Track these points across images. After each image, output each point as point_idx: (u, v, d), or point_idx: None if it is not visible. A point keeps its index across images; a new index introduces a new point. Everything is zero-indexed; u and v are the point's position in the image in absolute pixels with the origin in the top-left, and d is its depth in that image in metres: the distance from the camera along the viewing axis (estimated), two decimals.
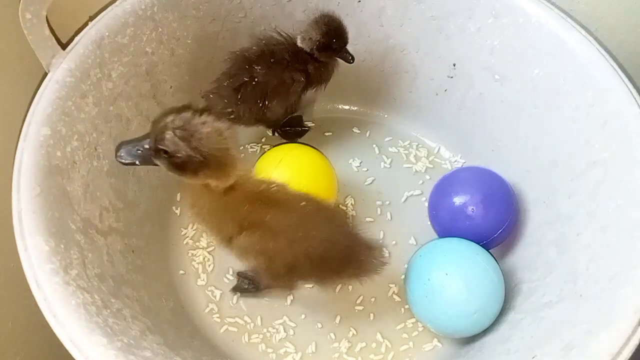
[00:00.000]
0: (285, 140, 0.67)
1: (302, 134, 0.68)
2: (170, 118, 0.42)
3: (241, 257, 0.50)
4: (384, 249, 0.51)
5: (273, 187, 0.48)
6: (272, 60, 0.57)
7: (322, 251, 0.47)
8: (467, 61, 0.61)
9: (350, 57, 0.59)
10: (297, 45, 0.59)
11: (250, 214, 0.46)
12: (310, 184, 0.57)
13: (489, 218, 0.55)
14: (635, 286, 0.42)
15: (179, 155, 0.41)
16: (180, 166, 0.42)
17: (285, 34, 0.59)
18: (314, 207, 0.48)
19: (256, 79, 0.57)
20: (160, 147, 0.42)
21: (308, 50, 0.58)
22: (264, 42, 0.58)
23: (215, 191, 0.45)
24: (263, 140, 0.67)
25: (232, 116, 0.58)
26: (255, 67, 0.57)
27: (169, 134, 0.41)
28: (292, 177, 0.57)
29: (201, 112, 0.43)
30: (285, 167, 0.57)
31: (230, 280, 0.59)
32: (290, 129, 0.68)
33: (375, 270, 0.50)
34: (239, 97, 0.57)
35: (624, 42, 0.55)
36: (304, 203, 0.47)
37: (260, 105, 0.58)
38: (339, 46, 0.58)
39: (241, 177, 0.46)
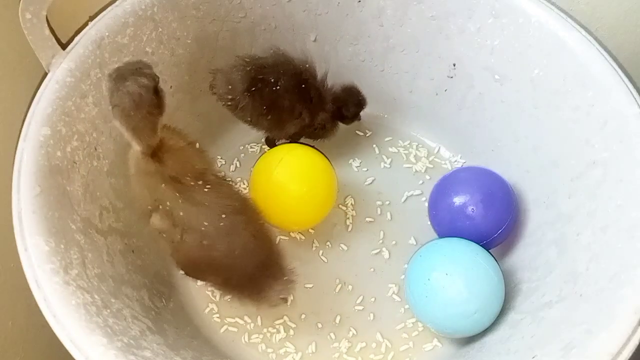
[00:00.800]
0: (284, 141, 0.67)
1: None
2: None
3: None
4: (293, 283, 0.52)
5: (207, 186, 0.47)
6: (302, 86, 0.58)
7: (225, 267, 0.48)
8: (467, 61, 0.61)
9: (359, 119, 0.65)
10: (325, 93, 0.60)
11: (164, 196, 0.46)
12: (309, 184, 0.57)
13: (489, 218, 0.55)
14: (635, 286, 0.42)
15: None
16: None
17: (325, 78, 0.61)
18: (232, 224, 0.47)
19: (275, 88, 0.57)
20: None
21: (337, 111, 0.63)
22: (307, 66, 0.59)
23: (143, 156, 0.46)
24: (263, 140, 0.67)
25: (229, 103, 0.58)
26: (283, 79, 0.57)
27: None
28: (292, 177, 0.57)
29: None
30: (285, 167, 0.57)
31: None
32: None
33: (272, 303, 0.51)
34: (248, 91, 0.57)
35: (624, 42, 0.55)
36: (224, 216, 0.47)
37: (263, 112, 0.58)
38: (356, 117, 0.65)
39: (175, 153, 0.47)
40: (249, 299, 0.51)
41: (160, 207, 0.47)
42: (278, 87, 0.57)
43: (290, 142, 0.64)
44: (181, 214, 0.46)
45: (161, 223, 0.47)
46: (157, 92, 0.44)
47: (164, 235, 0.48)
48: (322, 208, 0.59)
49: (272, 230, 0.55)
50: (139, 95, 0.43)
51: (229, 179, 0.52)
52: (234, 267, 0.48)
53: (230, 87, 0.57)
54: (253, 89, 0.57)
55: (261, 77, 0.57)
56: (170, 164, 0.47)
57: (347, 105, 0.63)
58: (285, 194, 0.57)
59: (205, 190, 0.47)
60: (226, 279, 0.50)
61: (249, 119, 0.60)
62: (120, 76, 0.44)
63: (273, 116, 0.59)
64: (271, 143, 0.65)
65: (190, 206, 0.46)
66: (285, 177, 0.56)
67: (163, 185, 0.46)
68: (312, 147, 0.61)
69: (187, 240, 0.47)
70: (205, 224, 0.46)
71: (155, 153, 0.46)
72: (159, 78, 0.45)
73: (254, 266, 0.49)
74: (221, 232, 0.47)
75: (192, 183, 0.47)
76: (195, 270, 0.51)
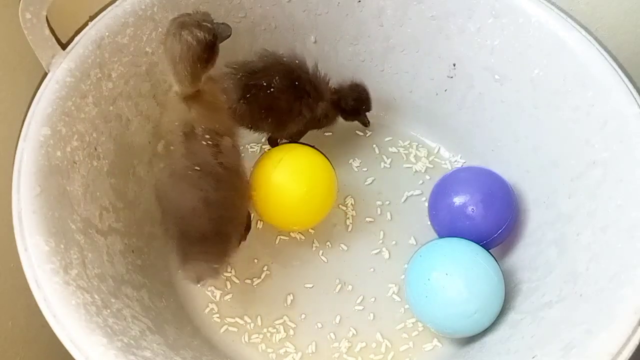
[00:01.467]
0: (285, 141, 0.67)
1: None
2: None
3: None
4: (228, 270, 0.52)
5: (209, 142, 0.48)
6: (296, 83, 0.58)
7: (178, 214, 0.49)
8: (467, 61, 0.61)
9: (367, 122, 0.66)
10: (319, 83, 0.60)
11: (173, 130, 0.49)
12: (309, 184, 0.57)
13: (489, 218, 0.55)
14: (635, 286, 0.42)
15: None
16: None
17: (317, 69, 0.60)
18: (203, 181, 0.48)
19: (269, 91, 0.57)
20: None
21: (336, 103, 0.63)
22: (297, 62, 0.59)
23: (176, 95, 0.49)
24: (263, 140, 0.67)
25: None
26: (276, 80, 0.57)
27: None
28: (292, 177, 0.57)
29: None
30: (285, 167, 0.57)
31: (228, 277, 0.59)
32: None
33: (192, 277, 0.50)
34: (244, 99, 0.57)
35: (624, 42, 0.55)
36: (197, 168, 0.48)
37: (262, 116, 0.59)
38: (363, 112, 0.65)
39: (204, 107, 0.49)
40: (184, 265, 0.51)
41: (167, 138, 0.49)
42: (272, 90, 0.57)
43: (291, 141, 0.64)
44: (172, 148, 0.48)
45: (162, 151, 0.50)
46: (210, 47, 0.46)
47: (161, 165, 0.50)
48: (322, 208, 0.59)
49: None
50: (189, 46, 0.45)
51: (237, 158, 0.52)
52: (186, 220, 0.49)
53: (224, 97, 0.57)
54: (248, 95, 0.57)
55: (253, 82, 0.57)
56: (195, 113, 0.48)
57: (346, 99, 0.63)
58: (285, 194, 0.57)
59: (204, 143, 0.48)
60: (180, 230, 0.50)
61: (249, 125, 0.60)
62: (181, 23, 0.46)
63: (273, 119, 0.59)
64: (274, 142, 0.65)
65: (183, 149, 0.48)
66: (285, 177, 0.56)
67: (177, 123, 0.48)
68: (312, 147, 0.61)
69: (167, 176, 0.49)
70: (186, 169, 0.48)
71: (188, 99, 0.49)
72: (217, 35, 0.47)
73: (203, 227, 0.49)
74: (189, 183, 0.48)
75: (201, 134, 0.48)
76: (161, 203, 0.51)
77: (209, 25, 0.46)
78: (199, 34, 0.45)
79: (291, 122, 0.60)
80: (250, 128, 0.60)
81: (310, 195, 0.57)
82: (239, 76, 0.57)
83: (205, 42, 0.46)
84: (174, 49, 0.45)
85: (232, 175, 0.51)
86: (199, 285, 0.55)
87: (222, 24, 0.48)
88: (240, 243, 0.56)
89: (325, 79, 0.61)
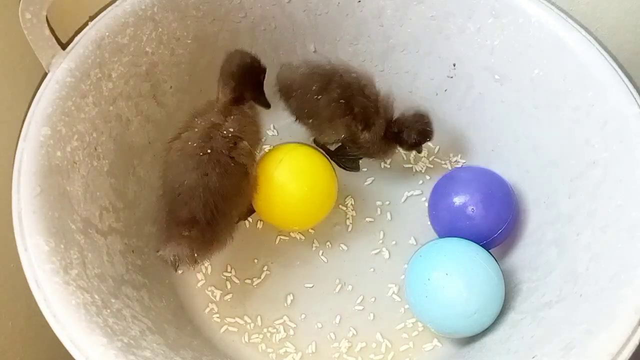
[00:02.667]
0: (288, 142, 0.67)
1: (355, 164, 0.67)
2: None
3: None
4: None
5: (237, 147, 0.52)
6: (341, 101, 0.57)
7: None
8: (467, 61, 0.61)
9: (421, 150, 0.63)
10: (374, 114, 0.59)
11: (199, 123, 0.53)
12: (310, 184, 0.57)
13: (489, 218, 0.55)
14: (635, 286, 0.42)
15: None
16: None
17: (387, 101, 0.60)
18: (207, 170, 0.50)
19: (317, 97, 0.57)
20: None
21: (397, 135, 0.60)
22: (363, 83, 0.58)
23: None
24: (264, 140, 0.67)
25: (281, 96, 0.60)
26: (337, 90, 0.57)
27: None
28: (292, 177, 0.57)
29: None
30: (285, 167, 0.57)
31: (228, 277, 0.59)
32: (345, 158, 0.66)
33: (169, 259, 0.50)
34: (297, 90, 0.58)
35: (624, 42, 0.55)
36: (201, 154, 0.50)
37: (304, 115, 0.59)
38: (421, 144, 0.62)
39: (238, 120, 0.54)
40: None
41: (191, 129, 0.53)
42: (319, 98, 0.57)
43: (354, 158, 0.66)
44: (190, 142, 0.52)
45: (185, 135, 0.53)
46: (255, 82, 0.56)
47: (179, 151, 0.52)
48: (322, 208, 0.59)
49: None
50: (244, 75, 0.55)
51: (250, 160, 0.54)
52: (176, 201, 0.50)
53: (288, 82, 0.59)
54: (299, 90, 0.58)
55: (309, 83, 0.57)
56: (230, 121, 0.53)
57: (410, 132, 0.60)
58: (286, 194, 0.57)
59: (224, 135, 0.52)
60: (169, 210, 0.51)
61: (294, 117, 0.61)
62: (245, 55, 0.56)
63: (314, 122, 0.60)
64: (317, 143, 0.65)
65: (203, 134, 0.52)
66: (285, 177, 0.56)
67: (211, 118, 0.53)
68: (313, 147, 0.61)
69: (178, 152, 0.52)
70: (197, 149, 0.51)
71: (226, 108, 0.54)
72: (264, 70, 0.56)
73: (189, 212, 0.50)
74: (195, 163, 0.50)
75: (225, 130, 0.52)
76: (164, 178, 0.53)
77: (262, 65, 0.56)
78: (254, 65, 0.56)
79: (327, 134, 0.61)
80: (296, 120, 0.61)
81: (311, 195, 0.57)
82: (301, 71, 0.58)
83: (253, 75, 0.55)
84: (230, 69, 0.55)
85: (239, 172, 0.52)
86: (176, 272, 0.54)
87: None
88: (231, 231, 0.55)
89: (388, 111, 0.60)
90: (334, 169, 0.60)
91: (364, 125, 0.59)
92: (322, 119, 0.59)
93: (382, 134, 0.60)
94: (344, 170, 0.66)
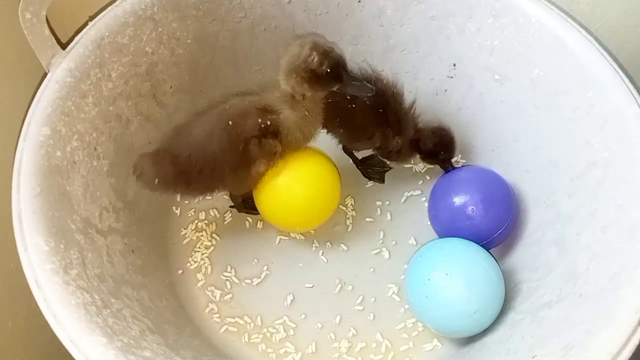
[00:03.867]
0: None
1: (382, 175, 0.66)
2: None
3: None
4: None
5: (266, 134, 0.52)
6: (379, 110, 0.57)
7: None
8: (467, 61, 0.61)
9: (448, 167, 0.61)
10: (406, 120, 0.59)
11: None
12: (314, 185, 0.56)
13: (489, 218, 0.55)
14: (635, 286, 0.42)
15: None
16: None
17: (412, 106, 0.60)
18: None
19: (351, 105, 0.57)
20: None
21: (415, 142, 0.60)
22: (394, 91, 0.58)
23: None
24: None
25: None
26: (371, 98, 0.56)
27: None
28: (296, 177, 0.56)
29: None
30: (290, 167, 0.56)
31: (228, 277, 0.59)
32: (371, 169, 0.66)
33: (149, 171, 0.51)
34: (328, 100, 0.56)
35: (624, 42, 0.55)
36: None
37: (336, 124, 0.59)
38: (444, 157, 0.61)
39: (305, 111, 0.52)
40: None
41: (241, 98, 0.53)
42: (354, 105, 0.57)
43: (382, 170, 0.66)
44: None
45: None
46: (323, 79, 0.49)
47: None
48: (325, 210, 0.59)
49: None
50: (311, 66, 0.49)
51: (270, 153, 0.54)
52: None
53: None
54: (330, 100, 0.56)
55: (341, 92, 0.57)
56: (285, 113, 0.52)
57: (426, 141, 0.60)
58: (289, 195, 0.56)
59: (259, 121, 0.51)
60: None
61: (324, 125, 0.59)
62: (318, 45, 0.49)
63: (345, 130, 0.59)
64: (346, 150, 0.64)
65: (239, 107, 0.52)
66: (289, 177, 0.56)
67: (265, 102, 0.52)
68: (317, 149, 0.60)
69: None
70: (224, 114, 0.52)
71: (288, 99, 0.52)
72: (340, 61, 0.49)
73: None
74: (217, 121, 0.52)
75: (261, 122, 0.51)
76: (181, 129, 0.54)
77: (334, 54, 0.49)
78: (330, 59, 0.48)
79: (360, 142, 0.60)
80: (325, 128, 0.60)
81: (314, 197, 0.57)
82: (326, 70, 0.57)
83: (322, 73, 0.48)
84: (306, 64, 0.48)
85: (256, 152, 0.52)
86: (156, 192, 0.53)
87: (361, 81, 0.51)
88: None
89: (415, 117, 0.60)
90: (337, 170, 0.60)
91: (398, 133, 0.59)
92: (356, 128, 0.58)
93: (409, 141, 0.60)
94: (343, 171, 0.66)
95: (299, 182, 0.56)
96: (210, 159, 0.51)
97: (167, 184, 0.52)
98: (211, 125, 0.51)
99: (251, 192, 0.58)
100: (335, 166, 0.59)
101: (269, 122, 0.51)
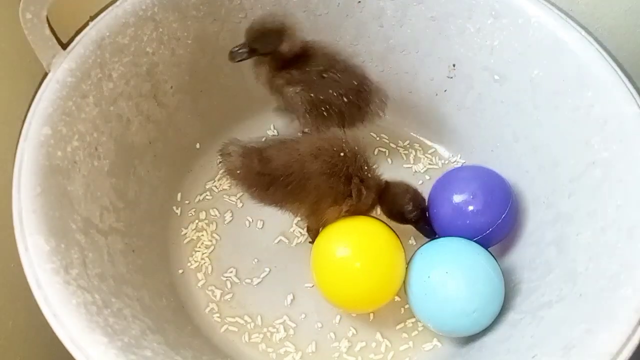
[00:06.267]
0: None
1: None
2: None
3: None
4: None
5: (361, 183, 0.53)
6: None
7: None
8: (466, 61, 0.61)
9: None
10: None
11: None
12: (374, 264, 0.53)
13: (489, 217, 0.55)
14: (635, 286, 0.42)
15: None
16: None
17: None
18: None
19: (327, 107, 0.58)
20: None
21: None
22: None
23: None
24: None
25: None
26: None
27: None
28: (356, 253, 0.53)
29: None
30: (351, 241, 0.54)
31: (228, 277, 0.60)
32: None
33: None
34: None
35: (624, 42, 0.55)
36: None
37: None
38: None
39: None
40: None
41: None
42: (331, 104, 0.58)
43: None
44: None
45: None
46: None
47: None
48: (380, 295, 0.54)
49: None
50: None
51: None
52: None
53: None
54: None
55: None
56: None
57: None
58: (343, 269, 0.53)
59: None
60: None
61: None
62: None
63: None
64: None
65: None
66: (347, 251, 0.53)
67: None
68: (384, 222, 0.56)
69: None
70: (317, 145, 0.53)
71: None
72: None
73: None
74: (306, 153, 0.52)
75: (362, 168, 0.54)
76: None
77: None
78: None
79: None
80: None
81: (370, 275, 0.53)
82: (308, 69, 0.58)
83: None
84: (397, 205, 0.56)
85: (354, 191, 0.53)
86: (234, 181, 0.54)
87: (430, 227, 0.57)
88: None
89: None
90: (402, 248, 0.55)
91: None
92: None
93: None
94: None
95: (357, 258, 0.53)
96: (304, 177, 0.51)
97: (246, 179, 0.52)
98: (322, 148, 0.52)
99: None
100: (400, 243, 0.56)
101: (369, 175, 0.54)
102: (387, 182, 0.57)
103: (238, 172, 0.52)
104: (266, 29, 0.57)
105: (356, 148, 0.53)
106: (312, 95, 0.58)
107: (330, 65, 0.58)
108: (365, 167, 0.53)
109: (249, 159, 0.52)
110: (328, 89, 0.58)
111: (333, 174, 0.52)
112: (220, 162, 0.53)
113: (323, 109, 0.58)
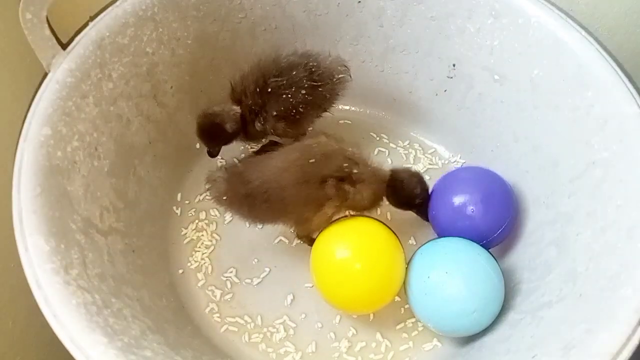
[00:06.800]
0: None
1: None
2: None
3: None
4: None
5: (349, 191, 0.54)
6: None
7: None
8: (466, 61, 0.61)
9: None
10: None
11: None
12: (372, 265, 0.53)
13: (489, 218, 0.55)
14: (635, 286, 0.42)
15: None
16: None
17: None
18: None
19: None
20: None
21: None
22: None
23: None
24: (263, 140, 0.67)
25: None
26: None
27: None
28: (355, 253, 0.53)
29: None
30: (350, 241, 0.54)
31: (228, 277, 0.60)
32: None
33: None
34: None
35: (624, 42, 0.55)
36: (312, 160, 0.52)
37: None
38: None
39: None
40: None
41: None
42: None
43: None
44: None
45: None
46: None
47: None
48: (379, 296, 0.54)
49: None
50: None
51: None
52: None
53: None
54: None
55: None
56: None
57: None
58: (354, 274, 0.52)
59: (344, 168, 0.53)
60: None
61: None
62: None
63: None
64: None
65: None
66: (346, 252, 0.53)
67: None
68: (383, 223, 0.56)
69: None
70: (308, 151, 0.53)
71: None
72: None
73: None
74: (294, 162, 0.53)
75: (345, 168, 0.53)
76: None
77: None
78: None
79: None
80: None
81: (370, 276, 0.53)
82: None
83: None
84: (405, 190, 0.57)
85: (331, 193, 0.53)
86: (223, 207, 0.55)
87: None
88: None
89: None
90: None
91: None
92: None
93: None
94: None
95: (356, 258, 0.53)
96: (280, 191, 0.52)
97: (233, 203, 0.53)
98: (291, 159, 0.53)
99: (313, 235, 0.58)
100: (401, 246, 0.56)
101: (355, 170, 0.53)
102: (392, 170, 0.57)
103: (224, 198, 0.53)
104: (200, 133, 0.59)
105: (332, 150, 0.53)
106: (275, 113, 0.58)
107: (265, 77, 0.58)
108: (346, 165, 0.53)
109: (232, 185, 0.52)
110: (280, 96, 0.58)
111: (305, 181, 0.52)
112: (208, 189, 0.54)
113: (292, 113, 0.58)
